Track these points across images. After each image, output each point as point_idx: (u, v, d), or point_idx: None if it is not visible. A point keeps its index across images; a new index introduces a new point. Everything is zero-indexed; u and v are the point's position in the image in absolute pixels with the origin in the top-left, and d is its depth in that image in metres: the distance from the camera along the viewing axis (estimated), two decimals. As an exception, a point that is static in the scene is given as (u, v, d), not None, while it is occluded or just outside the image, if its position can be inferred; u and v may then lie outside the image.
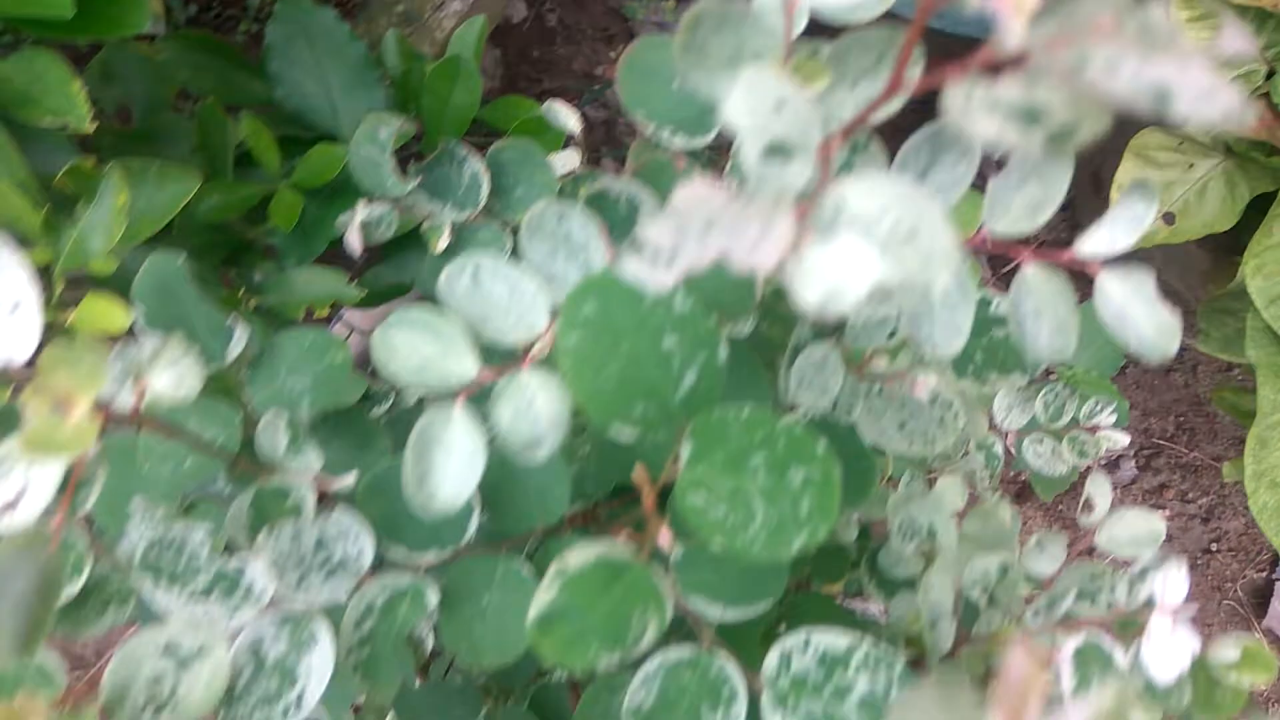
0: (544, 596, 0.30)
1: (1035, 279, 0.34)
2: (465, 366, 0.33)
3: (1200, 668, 0.35)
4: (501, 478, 0.43)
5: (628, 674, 0.38)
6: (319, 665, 0.39)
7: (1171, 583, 0.34)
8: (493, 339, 0.35)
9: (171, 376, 0.33)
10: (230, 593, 0.38)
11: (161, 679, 0.37)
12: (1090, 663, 0.35)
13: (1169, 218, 0.95)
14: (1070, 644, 0.36)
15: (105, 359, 0.28)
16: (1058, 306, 0.34)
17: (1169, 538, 1.53)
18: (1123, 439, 0.78)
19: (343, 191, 0.71)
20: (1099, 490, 0.46)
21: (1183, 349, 1.58)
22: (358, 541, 0.39)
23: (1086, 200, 1.46)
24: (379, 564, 0.41)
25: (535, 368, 0.33)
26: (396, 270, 0.65)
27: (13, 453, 0.31)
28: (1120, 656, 0.35)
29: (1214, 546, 1.53)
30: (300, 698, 0.39)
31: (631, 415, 0.32)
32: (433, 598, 0.41)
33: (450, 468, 0.32)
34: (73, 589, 0.37)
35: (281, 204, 0.68)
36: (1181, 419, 1.55)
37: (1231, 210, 0.92)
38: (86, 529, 0.38)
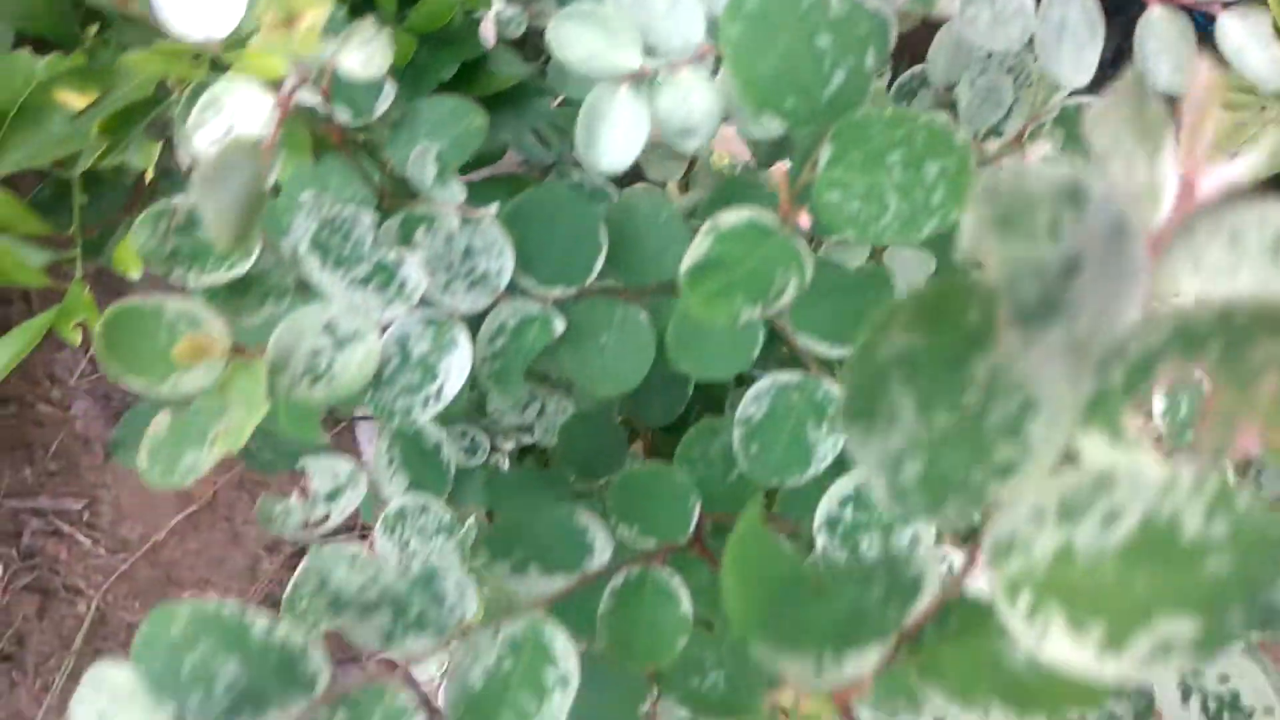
0: (699, 248, 0.34)
1: (1159, 19, 0.37)
2: (629, 58, 0.36)
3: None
4: (625, 236, 0.47)
5: (724, 421, 0.41)
6: (458, 366, 0.42)
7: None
8: (652, 45, 0.38)
9: (362, 56, 0.37)
10: (386, 285, 0.41)
11: (319, 354, 0.40)
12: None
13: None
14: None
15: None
16: (1179, 46, 0.37)
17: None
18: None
19: (452, 41, 0.74)
20: None
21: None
22: (500, 258, 0.43)
23: None
24: (512, 290, 0.45)
25: (693, 66, 0.37)
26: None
27: (228, 86, 0.34)
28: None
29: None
30: (440, 391, 0.42)
31: (782, 107, 0.36)
32: (559, 326, 0.44)
33: (615, 136, 0.36)
34: (239, 271, 0.41)
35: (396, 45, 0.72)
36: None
37: (1298, 153, 0.94)
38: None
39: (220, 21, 0.35)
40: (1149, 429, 0.32)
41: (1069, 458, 0.21)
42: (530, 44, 0.58)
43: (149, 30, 0.59)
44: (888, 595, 0.24)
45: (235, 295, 0.42)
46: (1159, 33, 0.37)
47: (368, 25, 0.37)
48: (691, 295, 0.34)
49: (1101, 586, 0.21)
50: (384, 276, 0.41)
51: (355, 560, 0.33)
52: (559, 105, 0.57)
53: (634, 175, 0.54)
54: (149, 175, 0.54)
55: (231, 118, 0.34)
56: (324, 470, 0.48)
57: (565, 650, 0.36)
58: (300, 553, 1.54)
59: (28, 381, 1.54)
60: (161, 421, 0.40)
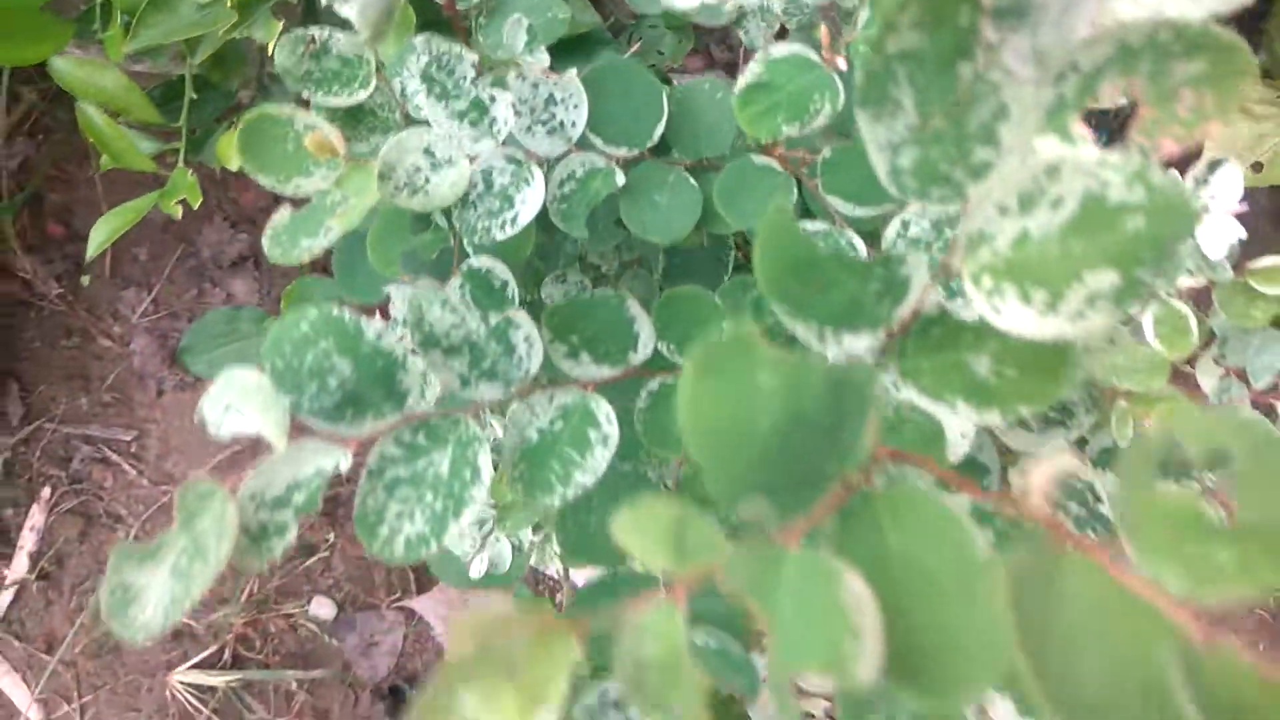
0: (751, 71, 0.41)
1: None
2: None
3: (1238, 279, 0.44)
4: (686, 113, 0.54)
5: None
6: (532, 199, 0.50)
7: (1227, 179, 0.43)
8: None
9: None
10: (479, 120, 0.49)
11: (419, 170, 0.48)
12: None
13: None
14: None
15: None
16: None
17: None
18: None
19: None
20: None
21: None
22: (577, 110, 0.50)
23: None
24: (583, 145, 0.52)
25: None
26: None
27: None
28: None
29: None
30: (515, 218, 0.49)
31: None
32: (620, 179, 0.52)
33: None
34: (359, 97, 0.48)
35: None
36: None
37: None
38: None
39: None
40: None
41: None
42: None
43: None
44: (882, 290, 0.31)
45: (351, 121, 0.49)
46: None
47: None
48: (741, 113, 0.41)
49: (1046, 261, 0.28)
50: (478, 112, 0.49)
51: (447, 303, 0.40)
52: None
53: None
54: (270, 49, 0.62)
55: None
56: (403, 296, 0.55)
57: (608, 417, 0.43)
58: (333, 498, 1.61)
59: (92, 315, 1.63)
60: (283, 215, 0.47)
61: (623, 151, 0.53)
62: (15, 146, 1.64)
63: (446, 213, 0.55)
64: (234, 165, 0.78)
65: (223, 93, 0.84)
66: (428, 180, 0.48)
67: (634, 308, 0.44)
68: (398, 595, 1.60)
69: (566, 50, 0.81)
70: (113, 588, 0.35)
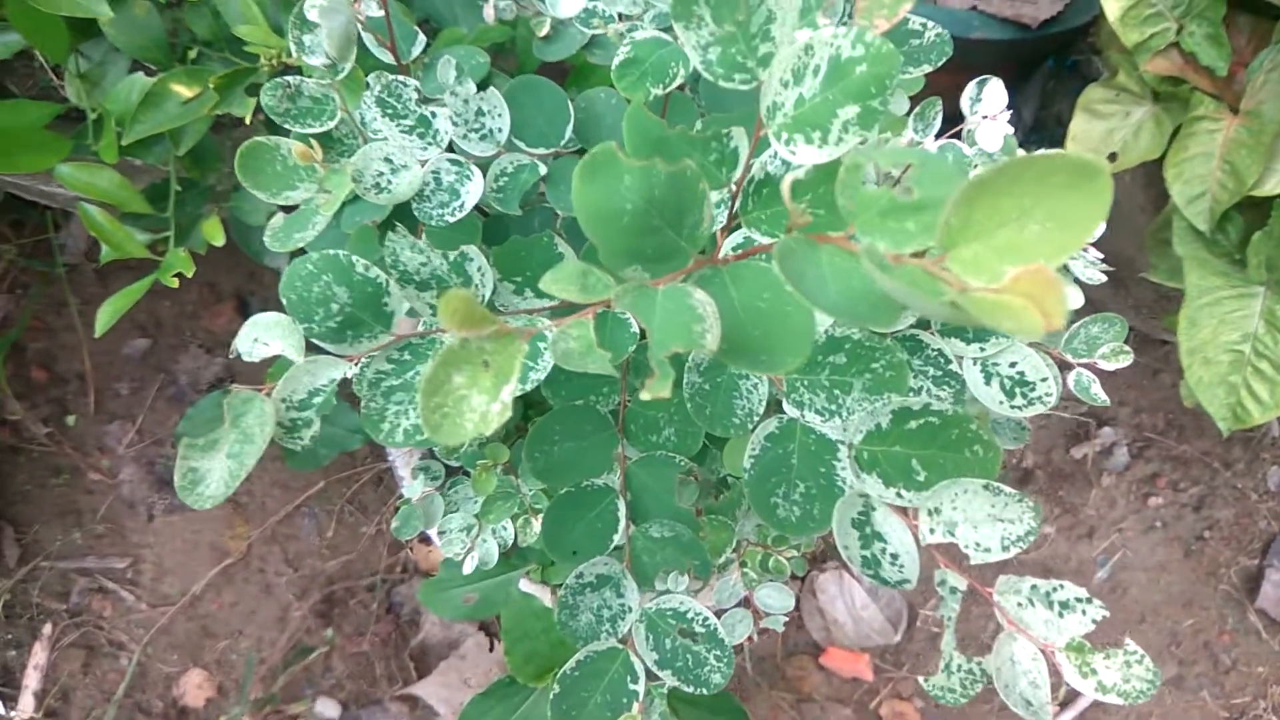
0: (622, 51, 0.56)
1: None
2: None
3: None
4: (587, 116, 0.69)
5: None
6: (474, 191, 0.64)
7: (993, 93, 0.59)
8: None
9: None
10: (425, 132, 0.64)
11: (382, 174, 0.62)
12: (949, 151, 0.60)
13: (1112, 156, 1.22)
14: (936, 144, 0.60)
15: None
16: None
17: (1162, 525, 1.70)
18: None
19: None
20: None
21: (1168, 352, 1.79)
22: (501, 119, 0.65)
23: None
24: (510, 147, 0.67)
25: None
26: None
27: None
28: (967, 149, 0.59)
29: (1206, 534, 1.70)
30: (461, 205, 0.64)
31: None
32: (543, 170, 0.66)
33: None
34: (328, 126, 0.63)
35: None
36: (1171, 416, 1.75)
37: (1160, 142, 1.18)
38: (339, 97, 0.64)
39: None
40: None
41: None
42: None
43: (229, 52, 0.84)
44: (719, 159, 0.45)
45: (324, 147, 0.64)
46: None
47: None
48: (619, 83, 0.56)
49: (816, 111, 0.43)
50: (424, 126, 0.64)
51: (415, 245, 0.53)
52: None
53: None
54: (247, 120, 0.77)
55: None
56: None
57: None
58: (327, 598, 1.70)
59: (80, 452, 1.74)
60: (278, 218, 0.61)
61: (541, 150, 0.68)
62: (-3, 301, 1.78)
63: (408, 225, 0.70)
64: (219, 241, 0.92)
65: (202, 188, 0.99)
66: (390, 182, 0.62)
67: (562, 245, 0.58)
68: (399, 685, 1.67)
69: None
70: (183, 472, 0.48)
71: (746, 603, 0.80)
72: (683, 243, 0.39)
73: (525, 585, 1.08)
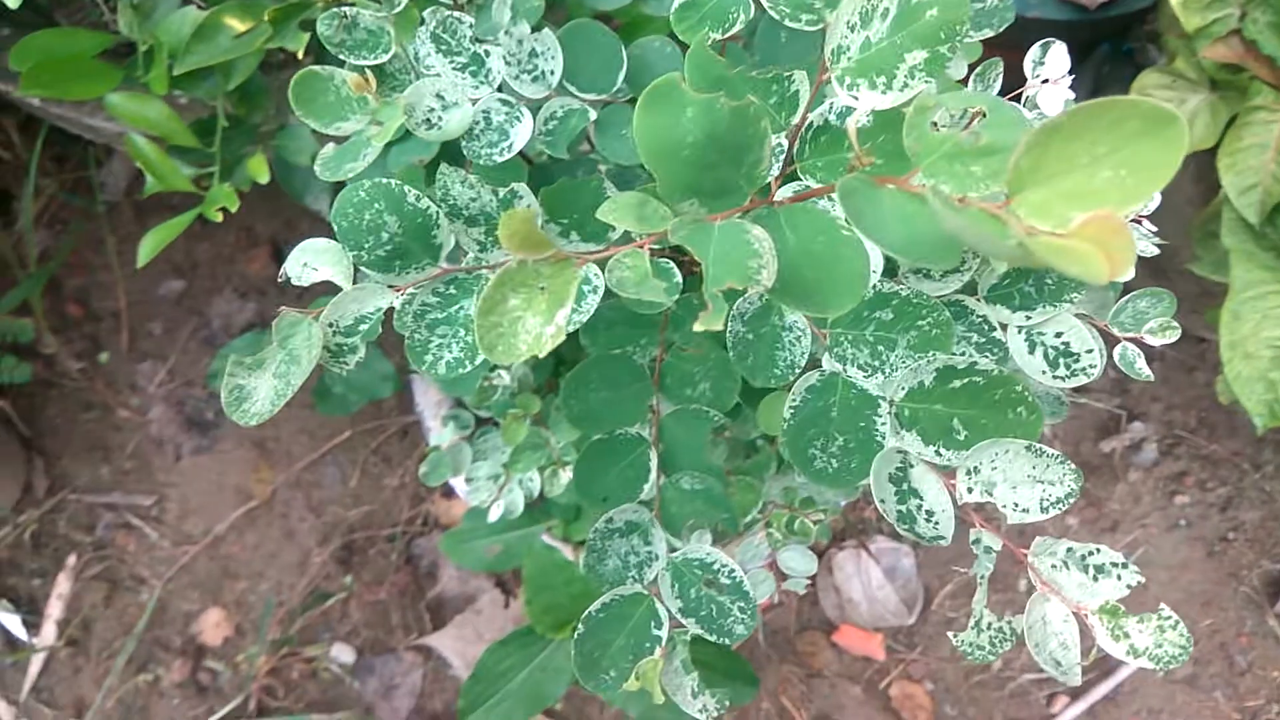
0: (683, -4, 0.56)
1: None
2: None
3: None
4: (639, 64, 0.69)
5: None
6: (523, 132, 0.64)
7: (1056, 56, 0.58)
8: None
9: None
10: (477, 71, 0.64)
11: (433, 110, 0.62)
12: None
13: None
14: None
15: None
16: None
17: (1187, 524, 1.69)
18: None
19: None
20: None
21: (1205, 350, 1.78)
22: (554, 61, 0.65)
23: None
24: (561, 91, 0.67)
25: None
26: None
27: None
28: (1026, 113, 0.59)
29: (1231, 535, 1.68)
30: (510, 145, 0.64)
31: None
32: (593, 115, 0.66)
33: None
34: (382, 60, 0.63)
35: None
36: (1203, 415, 1.74)
37: (1214, 131, 1.17)
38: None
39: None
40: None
41: None
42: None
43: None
44: (779, 103, 0.45)
45: (377, 81, 0.64)
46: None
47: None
48: (678, 25, 0.56)
49: (882, 55, 0.42)
50: (476, 64, 0.64)
51: (465, 180, 0.53)
52: None
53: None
54: (300, 55, 0.77)
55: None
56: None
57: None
58: (347, 546, 1.71)
59: (112, 389, 1.76)
60: (329, 148, 0.61)
61: (592, 96, 0.67)
62: (37, 235, 1.80)
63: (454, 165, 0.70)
64: (264, 179, 0.93)
65: (248, 126, 1.00)
66: (440, 118, 0.62)
67: (611, 189, 0.58)
68: (414, 635, 1.69)
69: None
70: (230, 389, 0.48)
71: (770, 566, 0.80)
72: (741, 180, 0.39)
73: (547, 540, 1.09)
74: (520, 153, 0.65)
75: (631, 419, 0.66)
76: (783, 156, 0.47)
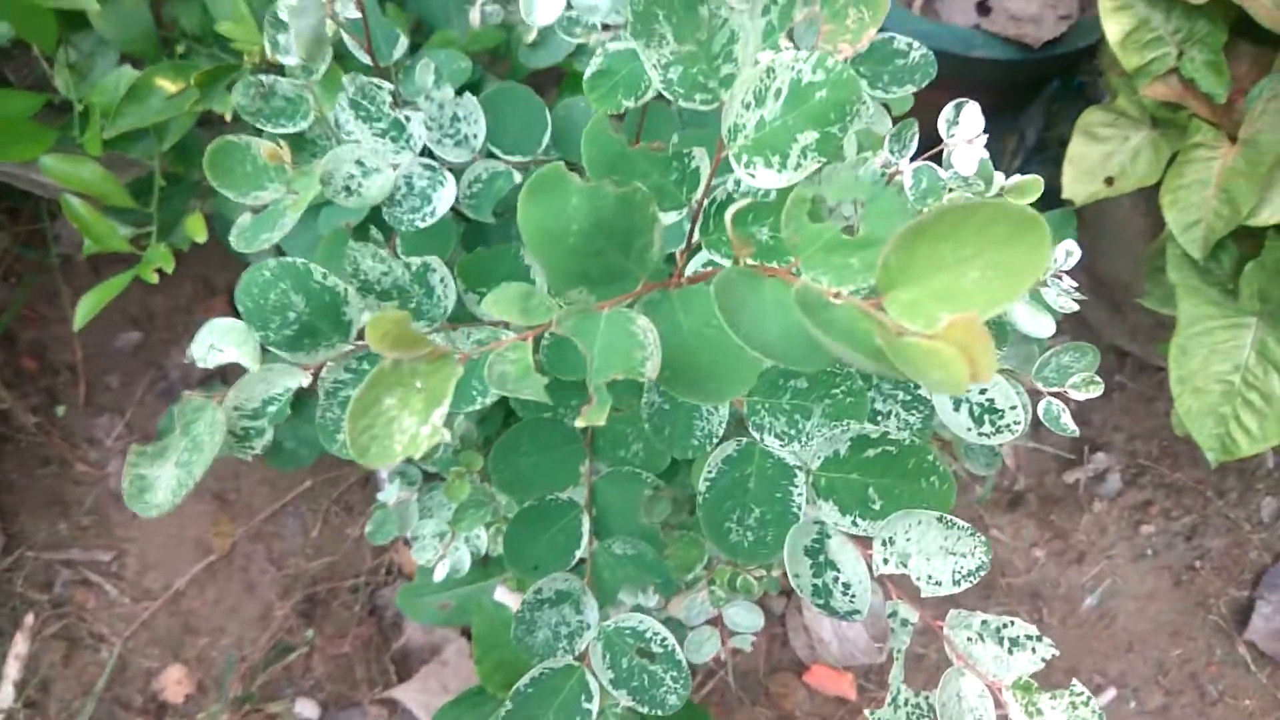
0: (595, 62, 0.56)
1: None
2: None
3: (991, 188, 0.59)
4: (565, 125, 0.69)
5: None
6: (446, 197, 0.64)
7: (969, 116, 0.58)
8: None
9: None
10: (398, 136, 0.63)
11: (353, 177, 0.62)
12: (924, 173, 0.59)
13: (1109, 181, 1.21)
14: (911, 166, 0.59)
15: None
16: None
17: (1153, 553, 1.69)
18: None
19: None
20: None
21: (1164, 379, 1.78)
22: (477, 125, 0.65)
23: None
24: (486, 155, 0.66)
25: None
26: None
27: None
28: (942, 172, 0.59)
29: (1197, 563, 1.69)
30: (433, 211, 0.63)
31: None
32: (517, 178, 0.66)
33: (549, 5, 0.58)
34: (301, 127, 0.63)
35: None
36: (1165, 444, 1.74)
37: (1157, 168, 1.18)
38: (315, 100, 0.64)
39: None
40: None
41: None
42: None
43: (217, 48, 0.84)
44: (680, 179, 0.45)
45: (296, 148, 0.64)
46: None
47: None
48: (591, 94, 0.55)
49: (776, 134, 0.42)
50: (397, 130, 0.63)
51: (376, 254, 0.53)
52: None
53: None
54: (227, 117, 0.76)
55: None
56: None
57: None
58: (309, 598, 1.69)
59: (69, 443, 1.74)
60: (245, 218, 0.61)
61: (518, 158, 0.67)
62: (-9, 289, 1.78)
63: (381, 229, 0.69)
64: (201, 238, 0.92)
65: (187, 184, 0.99)
66: (360, 185, 0.62)
67: (529, 257, 0.57)
68: (379, 688, 1.66)
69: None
70: (131, 479, 0.47)
71: (716, 621, 0.80)
72: (631, 265, 0.39)
73: (501, 593, 1.07)
74: (457, 210, 0.65)
75: (563, 483, 0.65)
76: (688, 232, 0.47)
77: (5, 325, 1.73)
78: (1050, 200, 1.26)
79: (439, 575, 0.88)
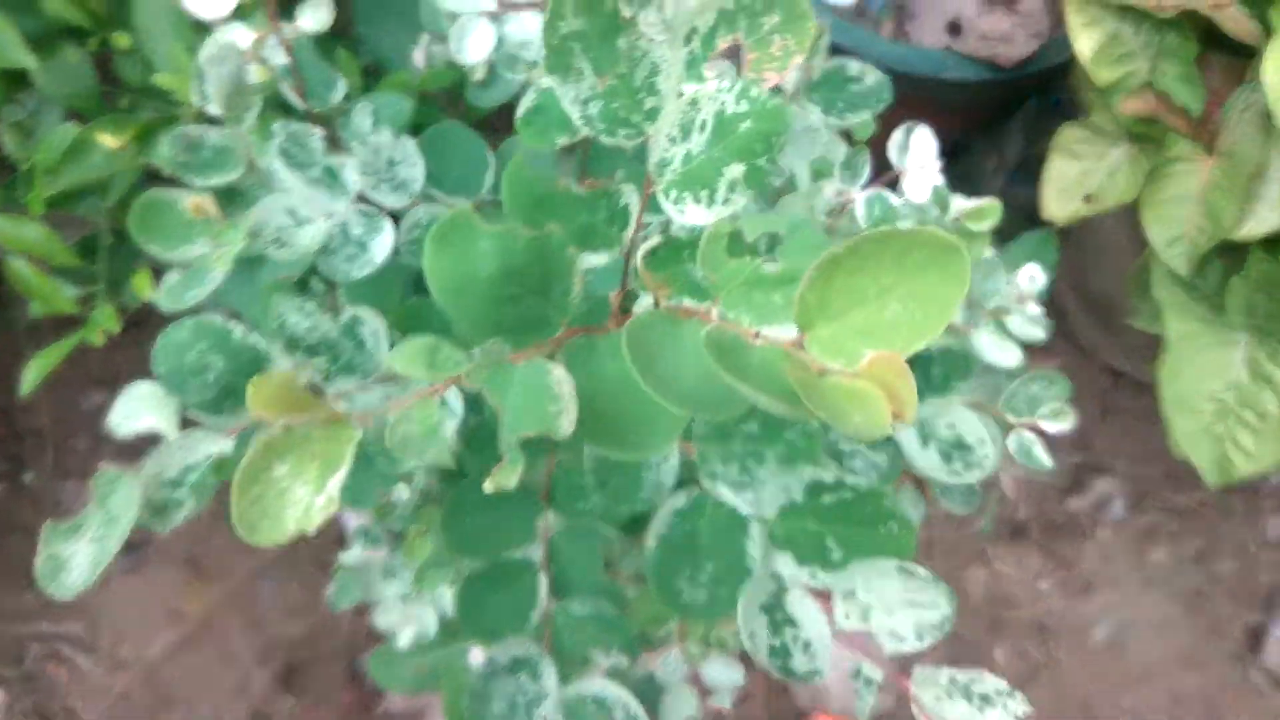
0: (528, 100, 0.54)
1: None
2: (486, 3, 0.58)
3: (948, 214, 0.57)
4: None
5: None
6: (383, 245, 0.62)
7: (920, 141, 0.57)
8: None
9: (313, 17, 0.59)
10: (332, 184, 0.62)
11: (284, 229, 0.60)
12: (877, 201, 0.58)
13: (1089, 198, 1.20)
14: (863, 194, 0.58)
15: None
16: None
17: (1162, 580, 1.66)
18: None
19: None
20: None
21: (1162, 399, 1.76)
22: (415, 168, 0.63)
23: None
24: (426, 198, 0.65)
25: (530, 9, 0.59)
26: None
27: (226, 30, 0.56)
28: (895, 199, 0.57)
29: (1208, 588, 1.66)
30: (371, 260, 0.61)
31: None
32: (461, 223, 0.64)
33: (475, 42, 0.57)
34: (230, 178, 0.61)
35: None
36: (1168, 466, 1.72)
37: (1136, 183, 1.17)
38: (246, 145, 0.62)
39: (222, 3, 0.57)
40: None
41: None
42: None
43: (161, 100, 0.83)
44: (610, 218, 0.43)
45: (228, 200, 0.62)
46: None
47: (316, 2, 0.59)
48: (524, 131, 0.54)
49: (703, 169, 0.41)
50: (330, 177, 0.62)
51: (302, 309, 0.51)
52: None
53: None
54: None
55: (227, 40, 0.56)
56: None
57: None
58: (289, 665, 1.66)
59: (36, 510, 1.71)
60: (172, 276, 0.59)
61: (461, 200, 0.66)
62: (-48, 357, 1.76)
63: (325, 279, 0.68)
64: (148, 296, 0.90)
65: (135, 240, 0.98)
66: (292, 236, 0.60)
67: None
68: (361, 756, 1.63)
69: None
70: (45, 559, 0.45)
71: (694, 678, 0.77)
72: (550, 312, 0.37)
73: (477, 655, 1.04)
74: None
75: (519, 540, 0.63)
76: (623, 273, 0.45)
77: (-31, 392, 1.71)
78: (1035, 219, 1.25)
79: (403, 641, 0.85)
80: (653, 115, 0.42)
